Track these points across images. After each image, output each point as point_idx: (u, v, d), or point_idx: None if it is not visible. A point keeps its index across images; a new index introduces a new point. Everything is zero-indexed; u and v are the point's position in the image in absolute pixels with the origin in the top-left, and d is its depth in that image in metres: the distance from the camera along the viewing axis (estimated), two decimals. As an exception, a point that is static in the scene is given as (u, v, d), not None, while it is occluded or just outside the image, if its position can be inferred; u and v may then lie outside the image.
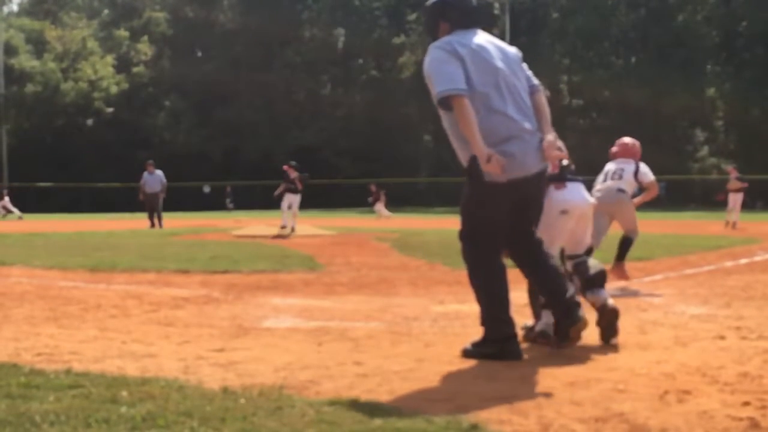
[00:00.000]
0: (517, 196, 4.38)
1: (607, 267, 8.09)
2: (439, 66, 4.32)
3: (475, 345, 4.40)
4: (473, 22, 4.54)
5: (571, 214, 4.84)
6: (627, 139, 8.50)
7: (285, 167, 18.93)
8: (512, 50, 4.61)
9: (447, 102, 4.26)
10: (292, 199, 18.43)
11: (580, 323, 4.40)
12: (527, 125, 4.41)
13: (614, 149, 8.45)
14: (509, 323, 4.36)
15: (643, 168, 8.20)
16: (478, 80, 4.31)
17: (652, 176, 8.26)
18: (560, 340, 4.48)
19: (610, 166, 8.27)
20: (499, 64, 4.42)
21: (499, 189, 4.29)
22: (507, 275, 4.45)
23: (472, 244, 4.45)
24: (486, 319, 4.41)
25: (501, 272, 4.43)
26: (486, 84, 4.33)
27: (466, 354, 4.36)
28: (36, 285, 7.83)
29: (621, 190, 8.03)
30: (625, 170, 8.11)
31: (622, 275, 7.91)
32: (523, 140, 4.36)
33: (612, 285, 7.90)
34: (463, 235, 4.49)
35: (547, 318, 4.77)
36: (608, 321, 4.77)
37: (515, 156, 4.29)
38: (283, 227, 17.79)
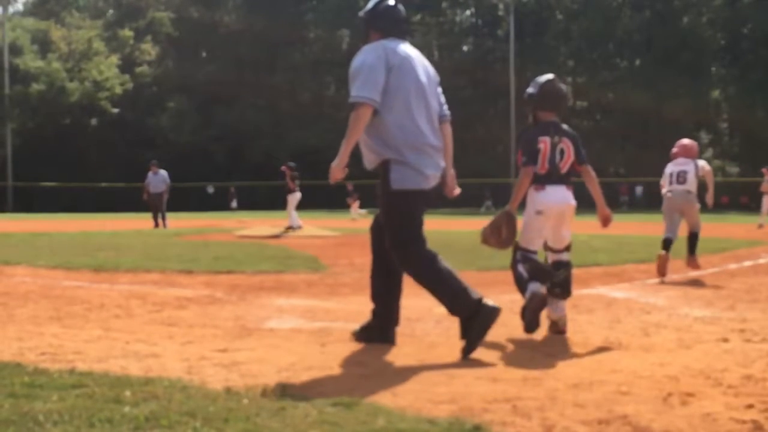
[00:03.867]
0: (421, 204, 4.66)
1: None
2: (368, 71, 4.57)
3: (466, 336, 4.42)
4: (402, 32, 4.84)
5: (547, 214, 5.10)
6: (686, 141, 9.63)
7: (283, 168, 19.00)
8: (433, 70, 4.89)
9: (353, 106, 4.53)
10: (289, 200, 18.51)
11: (390, 343, 4.72)
12: (434, 142, 4.69)
13: (675, 150, 9.51)
14: (470, 291, 4.51)
15: (701, 163, 9.33)
16: (402, 89, 4.59)
17: (709, 166, 9.46)
18: (358, 335, 4.83)
19: (671, 168, 9.32)
20: (423, 79, 4.72)
21: (406, 195, 4.57)
22: (440, 257, 4.62)
23: (403, 249, 4.65)
24: (452, 305, 4.53)
25: (437, 258, 4.62)
26: (408, 94, 4.61)
27: (469, 351, 4.37)
28: (40, 285, 7.84)
29: (689, 192, 9.16)
30: (688, 172, 9.20)
31: (695, 266, 9.04)
32: (428, 155, 4.65)
33: (616, 286, 7.91)
34: (394, 244, 4.67)
35: (534, 287, 5.00)
36: (555, 332, 5.09)
37: (417, 168, 4.58)
38: (299, 227, 17.89)
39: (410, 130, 4.59)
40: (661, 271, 8.65)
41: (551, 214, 5.10)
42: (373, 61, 4.57)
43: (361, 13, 4.95)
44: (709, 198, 9.59)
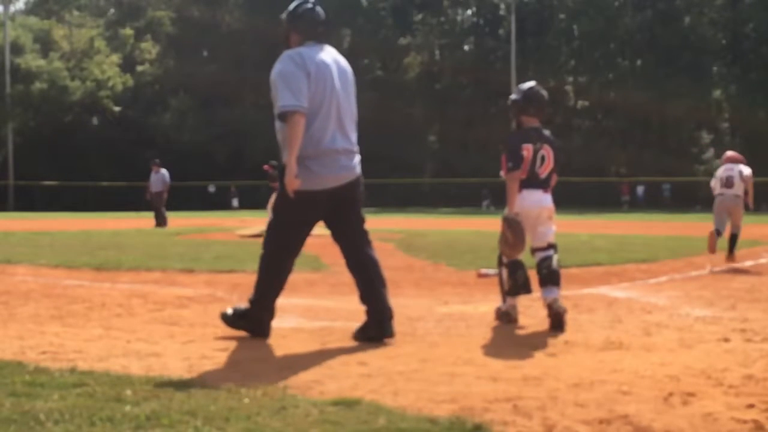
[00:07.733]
0: (321, 205, 4.84)
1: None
2: (288, 79, 4.71)
3: (236, 315, 4.97)
4: (321, 34, 4.96)
5: (524, 217, 5.37)
6: (729, 153, 11.28)
7: (265, 167, 18.77)
8: (351, 74, 5.03)
9: (285, 115, 4.66)
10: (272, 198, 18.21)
11: (389, 336, 4.81)
12: (341, 145, 4.85)
13: (722, 160, 11.07)
14: (271, 311, 4.94)
15: (745, 172, 10.65)
16: (316, 96, 4.73)
17: (748, 172, 10.68)
18: (358, 336, 4.84)
19: (721, 173, 10.73)
20: (337, 84, 4.86)
21: (297, 195, 4.69)
22: (288, 274, 4.98)
23: (274, 234, 4.95)
24: (256, 299, 4.93)
25: (288, 267, 4.98)
26: (319, 101, 4.76)
27: (224, 319, 5.00)
28: (41, 283, 7.84)
29: (737, 196, 10.57)
30: (734, 177, 10.58)
31: (732, 260, 10.25)
32: (331, 158, 4.81)
33: (617, 285, 7.91)
34: (270, 225, 5.04)
35: (510, 300, 5.48)
36: (554, 320, 5.28)
37: (315, 172, 4.74)
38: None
39: (316, 136, 4.76)
40: (712, 249, 10.37)
41: (527, 218, 5.40)
42: (293, 70, 4.72)
43: (282, 15, 5.06)
44: (749, 200, 10.71)
